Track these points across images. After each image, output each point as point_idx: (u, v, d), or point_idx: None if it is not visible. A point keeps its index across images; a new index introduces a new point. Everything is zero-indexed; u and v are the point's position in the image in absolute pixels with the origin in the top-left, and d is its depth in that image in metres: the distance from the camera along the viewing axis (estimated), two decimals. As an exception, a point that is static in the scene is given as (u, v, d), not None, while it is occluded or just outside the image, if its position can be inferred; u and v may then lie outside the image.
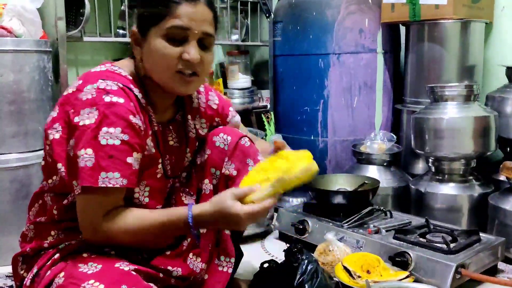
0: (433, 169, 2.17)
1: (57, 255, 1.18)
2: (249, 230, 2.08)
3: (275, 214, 2.22)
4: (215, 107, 1.47)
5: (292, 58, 2.67)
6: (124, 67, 1.24)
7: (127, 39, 2.22)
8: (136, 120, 1.14)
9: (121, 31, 2.55)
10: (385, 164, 2.33)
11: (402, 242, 1.72)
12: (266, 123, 2.73)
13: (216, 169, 1.41)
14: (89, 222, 1.13)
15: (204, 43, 1.21)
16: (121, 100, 1.12)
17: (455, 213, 2.06)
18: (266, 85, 2.96)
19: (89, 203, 1.12)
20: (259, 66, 3.21)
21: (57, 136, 1.16)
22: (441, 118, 2.05)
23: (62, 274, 1.10)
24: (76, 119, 1.11)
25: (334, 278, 1.55)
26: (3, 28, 1.91)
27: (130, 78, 1.21)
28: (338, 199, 2.00)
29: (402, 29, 2.67)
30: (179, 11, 1.16)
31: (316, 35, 2.53)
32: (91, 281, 1.03)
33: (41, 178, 1.28)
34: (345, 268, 1.55)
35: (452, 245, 1.66)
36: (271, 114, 2.80)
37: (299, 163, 1.17)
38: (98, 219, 1.12)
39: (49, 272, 1.15)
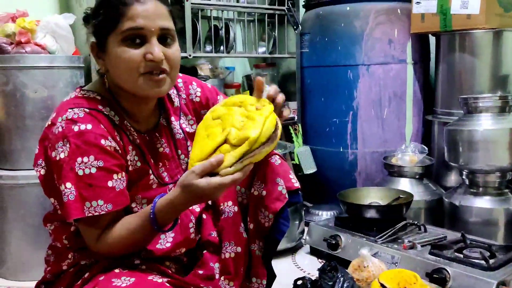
0: (467, 181, 2.13)
1: (87, 274, 1.18)
2: (280, 245, 2.06)
3: (306, 228, 2.20)
4: (197, 99, 1.40)
5: (320, 69, 2.66)
6: (93, 88, 1.23)
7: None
8: (108, 142, 1.13)
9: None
10: (417, 176, 2.29)
11: (438, 258, 1.69)
12: (293, 135, 2.72)
13: (243, 187, 1.37)
14: (89, 243, 1.17)
15: (165, 39, 1.17)
16: (89, 127, 1.12)
17: (491, 227, 2.02)
18: (293, 97, 2.94)
19: (84, 230, 1.16)
20: (286, 77, 3.20)
21: (42, 172, 1.18)
22: (475, 130, 2.01)
23: None
24: (53, 154, 1.13)
25: (371, 295, 1.53)
26: (37, 44, 1.94)
27: (99, 98, 1.20)
28: (372, 214, 1.97)
29: (432, 39, 2.64)
30: (131, 13, 1.12)
31: (345, 46, 2.52)
32: None
33: None
34: (382, 285, 1.51)
35: (491, 261, 1.62)
36: (298, 126, 2.78)
37: (266, 130, 1.06)
38: (94, 241, 1.15)
39: None
